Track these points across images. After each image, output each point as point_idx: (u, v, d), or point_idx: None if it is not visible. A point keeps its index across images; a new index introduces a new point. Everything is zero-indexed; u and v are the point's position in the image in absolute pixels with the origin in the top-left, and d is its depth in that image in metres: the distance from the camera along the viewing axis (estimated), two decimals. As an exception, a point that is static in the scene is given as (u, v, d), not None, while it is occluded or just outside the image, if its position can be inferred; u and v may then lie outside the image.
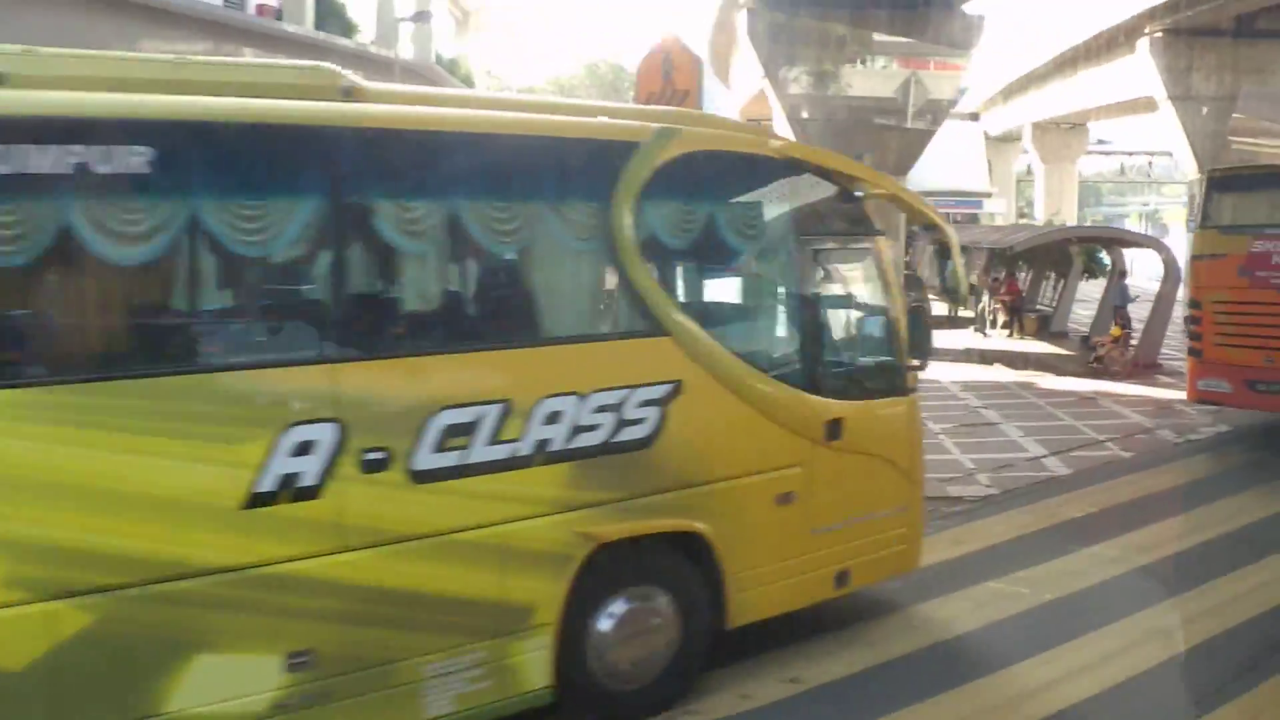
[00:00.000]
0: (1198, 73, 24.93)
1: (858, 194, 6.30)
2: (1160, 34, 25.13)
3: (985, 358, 18.94)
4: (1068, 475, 10.62)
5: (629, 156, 5.15)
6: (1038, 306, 23.19)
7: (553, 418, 4.77)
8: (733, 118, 6.85)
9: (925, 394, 15.76)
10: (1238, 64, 25.02)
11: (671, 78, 10.98)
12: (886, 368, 6.51)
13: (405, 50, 22.80)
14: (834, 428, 5.89)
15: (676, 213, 5.36)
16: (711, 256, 6.07)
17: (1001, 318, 22.19)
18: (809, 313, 6.05)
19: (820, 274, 6.31)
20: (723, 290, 6.20)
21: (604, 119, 5.46)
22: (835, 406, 5.94)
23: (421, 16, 17.88)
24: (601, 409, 4.93)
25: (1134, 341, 17.57)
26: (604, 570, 4.96)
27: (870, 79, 19.31)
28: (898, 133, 19.67)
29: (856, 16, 19.14)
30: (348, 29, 18.78)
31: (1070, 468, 10.87)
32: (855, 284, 6.69)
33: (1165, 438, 12.31)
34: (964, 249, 25.87)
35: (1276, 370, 11.32)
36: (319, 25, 18.58)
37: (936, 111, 20.20)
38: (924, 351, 6.50)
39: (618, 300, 5.34)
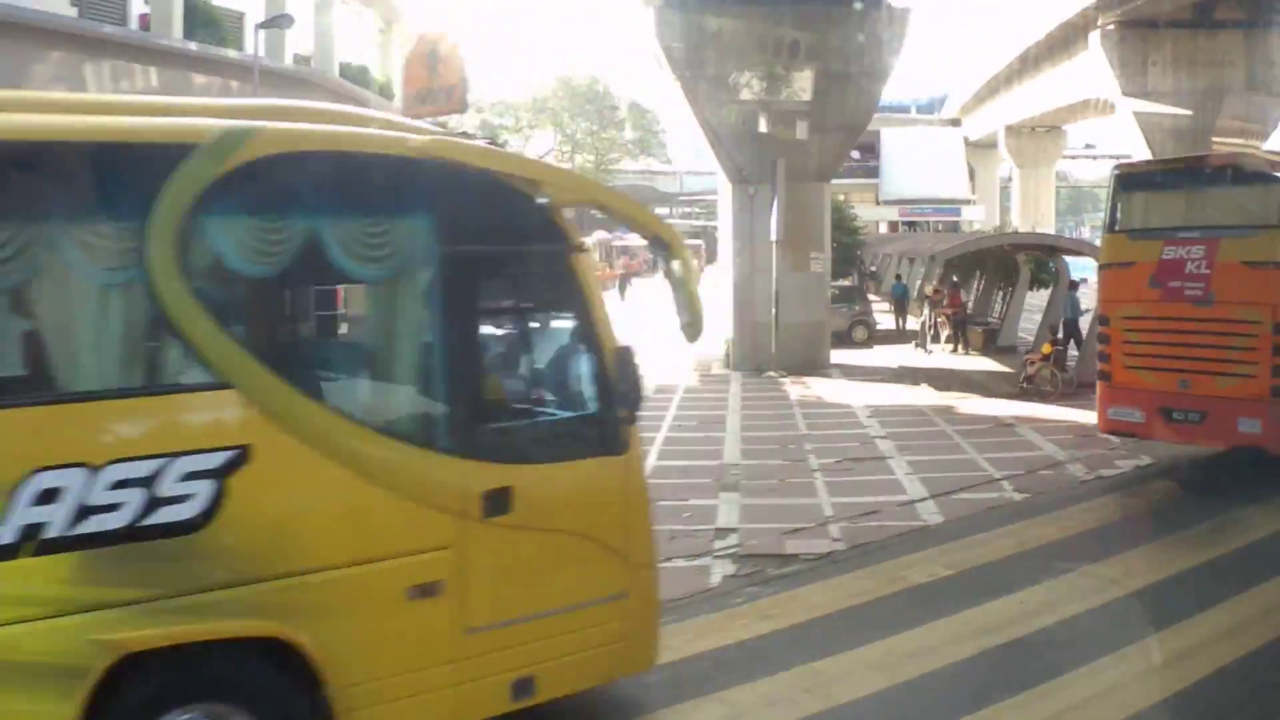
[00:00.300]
0: (1153, 67, 23.28)
1: (542, 201, 4.92)
2: (1113, 26, 23.56)
3: (915, 377, 17.39)
4: (939, 525, 9.07)
5: (177, 164, 3.97)
6: (989, 320, 21.62)
7: (48, 496, 3.71)
8: (378, 112, 5.41)
9: (827, 420, 14.48)
10: (1195, 57, 23.33)
11: (438, 71, 9.65)
12: (583, 420, 5.16)
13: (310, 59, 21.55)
14: (498, 499, 4.57)
15: (255, 232, 4.14)
16: (312, 285, 4.72)
17: (945, 332, 20.61)
18: (460, 353, 4.71)
19: (479, 302, 4.98)
20: (328, 328, 4.86)
21: (153, 119, 4.25)
22: (499, 472, 4.63)
23: (278, 22, 16.67)
24: (123, 484, 3.83)
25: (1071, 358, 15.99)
26: (145, 685, 3.92)
27: (786, 82, 17.82)
28: (817, 137, 18.12)
29: (771, 13, 17.70)
30: (224, 38, 17.60)
31: (946, 514, 9.32)
32: (537, 314, 5.33)
33: (1073, 474, 10.72)
34: (908, 260, 24.26)
35: (1192, 396, 9.74)
36: (193, 34, 17.43)
37: (862, 113, 18.68)
38: (632, 400, 5.06)
39: (160, 345, 4.10)
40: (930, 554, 8.26)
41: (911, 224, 48.29)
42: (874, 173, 51.60)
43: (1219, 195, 10.20)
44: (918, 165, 47.89)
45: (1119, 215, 10.65)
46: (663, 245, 5.51)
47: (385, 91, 25.15)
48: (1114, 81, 23.94)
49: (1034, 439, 12.35)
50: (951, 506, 9.55)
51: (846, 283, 23.34)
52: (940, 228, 45.12)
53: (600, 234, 50.41)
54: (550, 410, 5.37)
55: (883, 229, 47.72)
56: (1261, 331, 9.38)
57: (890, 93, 59.74)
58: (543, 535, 4.78)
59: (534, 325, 5.46)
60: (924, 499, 9.79)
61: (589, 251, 5.32)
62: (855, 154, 58.03)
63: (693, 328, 5.56)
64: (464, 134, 5.26)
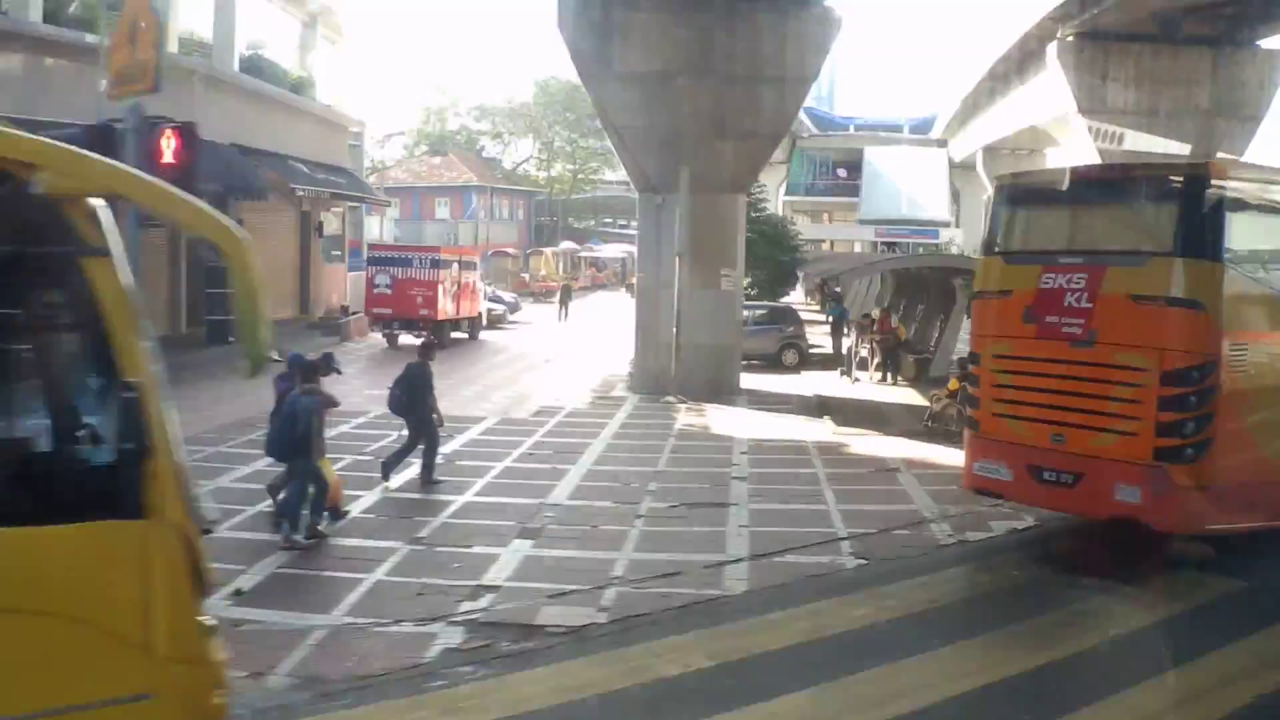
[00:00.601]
0: (1113, 83, 21.72)
1: (33, 188, 3.56)
2: (1071, 38, 22.03)
3: (824, 409, 15.83)
4: (737, 596, 7.53)
5: None
6: (928, 348, 20.03)
7: None
8: None
9: (694, 455, 12.92)
10: (1158, 74, 21.78)
11: (138, 47, 8.32)
12: (82, 472, 3.81)
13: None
14: None
15: None
16: None
17: (875, 360, 19.03)
18: None
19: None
20: None
21: None
22: None
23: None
24: None
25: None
26: None
27: (699, 84, 16.33)
28: (732, 144, 16.62)
29: (684, 8, 16.20)
30: (94, 23, 16.33)
31: (755, 583, 7.77)
32: (24, 331, 3.96)
33: (932, 536, 9.12)
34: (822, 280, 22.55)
35: (1066, 454, 8.09)
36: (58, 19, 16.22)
37: (781, 120, 17.19)
38: (137, 451, 3.66)
39: None
40: (701, 636, 6.73)
41: (891, 245, 46.80)
42: (857, 191, 50.17)
43: (1107, 214, 8.61)
44: (899, 185, 46.46)
45: (997, 235, 9.08)
46: (217, 250, 4.06)
47: (303, 88, 23.81)
48: (1070, 98, 22.39)
49: (911, 489, 10.77)
50: (766, 572, 8.00)
51: (813, 301, 21.67)
52: (921, 250, 43.56)
53: (567, 244, 49.13)
54: (33, 457, 3.93)
55: (857, 248, 46.24)
56: (1147, 381, 7.71)
57: (883, 111, 58.39)
58: (15, 617, 3.49)
59: (21, 346, 4.03)
60: (739, 560, 8.25)
61: (110, 255, 3.89)
62: (842, 172, 56.92)
63: (250, 357, 4.09)
64: None
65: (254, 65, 21.21)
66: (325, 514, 9.09)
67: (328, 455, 10.18)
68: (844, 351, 19.96)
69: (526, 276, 43.49)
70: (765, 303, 23.55)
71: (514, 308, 32.90)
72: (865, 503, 10.14)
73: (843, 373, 19.27)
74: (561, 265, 44.36)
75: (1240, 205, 8.12)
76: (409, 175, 48.23)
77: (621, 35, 16.26)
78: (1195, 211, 7.85)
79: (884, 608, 7.25)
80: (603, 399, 16.98)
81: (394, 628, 6.96)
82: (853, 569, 8.17)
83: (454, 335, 24.49)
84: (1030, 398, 8.45)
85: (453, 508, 9.97)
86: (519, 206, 54.27)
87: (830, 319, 21.52)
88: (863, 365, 19.34)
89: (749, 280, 25.83)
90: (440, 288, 23.06)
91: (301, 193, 21.12)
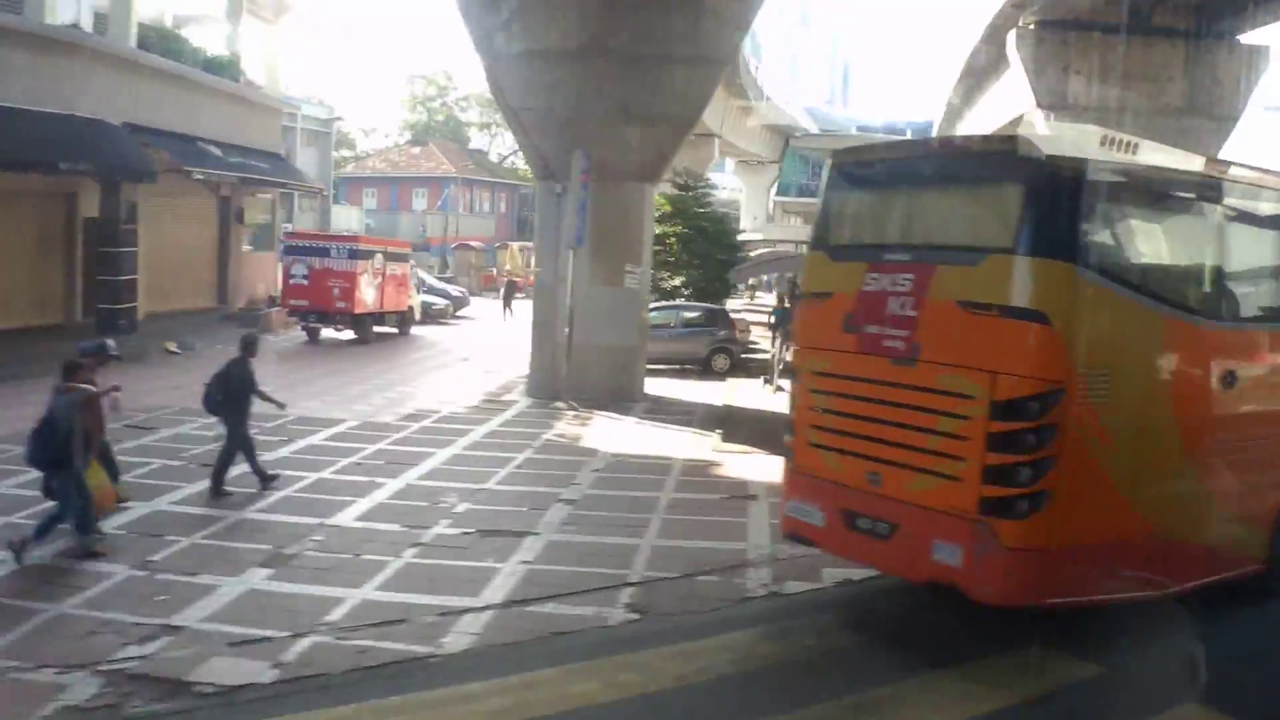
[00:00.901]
0: (1076, 76, 20.07)
1: None
2: (1032, 27, 20.41)
3: (724, 421, 14.44)
4: (450, 656, 6.23)
5: None
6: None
7: None
8: None
9: (540, 472, 11.38)
10: (1126, 68, 20.06)
11: None
12: None
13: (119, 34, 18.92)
14: None
15: None
16: None
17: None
18: None
19: None
20: None
21: None
22: None
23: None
24: None
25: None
26: None
27: (602, 61, 14.93)
28: (639, 129, 15.25)
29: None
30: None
31: (485, 639, 6.48)
32: None
33: (741, 586, 7.66)
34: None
35: (882, 498, 6.64)
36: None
37: (694, 104, 15.80)
38: None
39: None
40: (369, 710, 5.46)
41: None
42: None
43: (943, 199, 7.12)
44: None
45: (829, 225, 7.64)
46: None
47: (221, 68, 22.58)
48: (1028, 90, 20.75)
49: (756, 523, 9.34)
50: (509, 625, 6.67)
51: (770, 303, 20.08)
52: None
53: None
54: None
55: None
56: (974, 412, 6.13)
57: (885, 114, 56.49)
58: None
59: None
60: (486, 608, 6.93)
61: None
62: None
63: None
64: None
65: (161, 41, 20.04)
66: (90, 530, 7.99)
67: (119, 460, 9.21)
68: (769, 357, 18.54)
69: (494, 270, 42.29)
70: (697, 304, 22.19)
71: (460, 302, 31.64)
72: (691, 538, 8.77)
73: (766, 380, 17.85)
74: (533, 260, 42.97)
75: (1106, 193, 6.59)
76: (387, 165, 47.21)
77: (520, 7, 14.92)
78: (1044, 198, 6.22)
79: (616, 683, 5.88)
80: (491, 402, 15.69)
81: (31, 674, 5.79)
82: (616, 625, 6.80)
83: (378, 330, 23.34)
84: (847, 425, 6.93)
85: (219, 525, 8.75)
86: (501, 199, 53.16)
87: (771, 323, 20.06)
88: (785, 373, 17.92)
89: (682, 280, 24.54)
90: (360, 279, 21.88)
91: (200, 177, 19.92)
